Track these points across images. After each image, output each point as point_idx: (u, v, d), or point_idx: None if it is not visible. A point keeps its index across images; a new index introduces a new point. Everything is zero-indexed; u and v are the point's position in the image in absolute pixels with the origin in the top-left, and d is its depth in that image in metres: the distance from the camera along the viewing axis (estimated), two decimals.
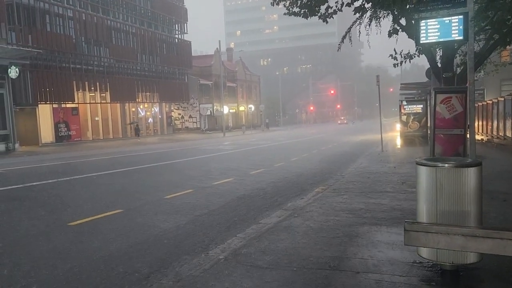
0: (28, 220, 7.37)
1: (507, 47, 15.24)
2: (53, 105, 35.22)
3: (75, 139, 36.37)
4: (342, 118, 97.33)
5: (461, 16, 7.06)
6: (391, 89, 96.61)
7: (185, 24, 54.47)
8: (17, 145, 28.24)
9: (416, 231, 3.20)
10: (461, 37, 7.21)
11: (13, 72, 27.25)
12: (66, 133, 36.04)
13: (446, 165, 3.74)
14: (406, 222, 3.34)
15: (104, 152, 24.30)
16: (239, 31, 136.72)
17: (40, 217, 7.63)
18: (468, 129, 8.44)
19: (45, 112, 34.51)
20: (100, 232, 6.43)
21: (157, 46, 48.36)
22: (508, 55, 23.46)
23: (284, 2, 12.88)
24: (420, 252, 3.97)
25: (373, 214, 6.54)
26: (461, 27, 7.14)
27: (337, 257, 4.57)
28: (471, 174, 3.67)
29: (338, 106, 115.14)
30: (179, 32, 53.88)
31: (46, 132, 34.55)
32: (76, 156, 22.26)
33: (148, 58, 47.14)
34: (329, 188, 9.17)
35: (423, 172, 3.85)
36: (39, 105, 33.32)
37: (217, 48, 58.96)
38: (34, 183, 11.77)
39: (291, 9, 12.84)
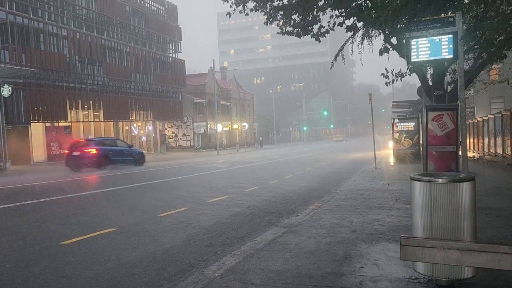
0: (21, 240, 7.26)
1: (495, 66, 15.58)
2: (46, 123, 35.08)
3: None
4: (338, 135, 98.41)
5: (450, 36, 7.23)
6: (383, 110, 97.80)
7: (179, 43, 54.97)
8: (8, 164, 27.95)
9: (412, 246, 3.22)
10: (451, 56, 7.38)
11: (6, 91, 27.19)
12: (58, 152, 35.78)
13: (440, 180, 3.78)
14: (401, 237, 3.36)
15: (98, 171, 24.10)
16: (232, 50, 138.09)
17: (33, 235, 7.52)
18: (460, 146, 8.55)
19: (37, 131, 34.34)
20: (92, 252, 6.35)
21: (151, 65, 48.65)
22: (496, 74, 23.93)
23: (277, 22, 13.11)
24: (416, 267, 3.97)
25: (368, 231, 6.54)
26: (451, 46, 7.31)
27: (333, 273, 4.56)
28: (464, 189, 3.72)
29: (331, 124, 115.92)
30: (173, 51, 54.32)
31: (38, 150, 34.30)
32: (67, 175, 22.06)
33: (142, 77, 47.35)
34: (324, 205, 9.17)
35: (418, 188, 3.89)
36: (31, 123, 33.17)
37: (211, 67, 59.42)
38: (26, 202, 11.63)
39: (284, 28, 13.07)
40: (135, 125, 47.12)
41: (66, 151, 24.43)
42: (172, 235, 7.21)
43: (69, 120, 37.11)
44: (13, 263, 5.81)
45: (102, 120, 41.13)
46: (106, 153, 23.32)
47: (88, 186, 16.49)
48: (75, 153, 23.06)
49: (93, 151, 22.89)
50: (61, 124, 36.59)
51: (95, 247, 6.56)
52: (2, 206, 11.12)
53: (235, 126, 69.49)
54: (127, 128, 46.10)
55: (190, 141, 56.96)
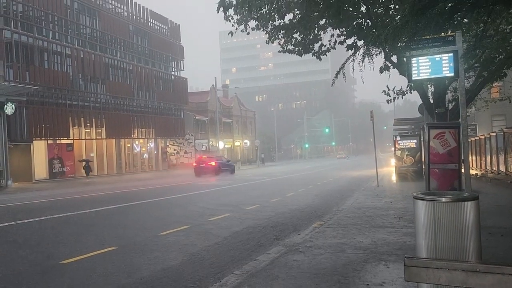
0: (20, 258, 7.19)
1: (496, 84, 15.65)
2: (48, 141, 35.18)
3: (69, 175, 36.08)
4: (341, 152, 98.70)
5: (451, 54, 7.28)
6: (385, 127, 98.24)
7: (182, 61, 55.50)
8: (9, 182, 27.94)
9: (416, 267, 3.16)
10: (452, 74, 7.41)
11: (9, 109, 27.36)
12: (60, 170, 35.80)
13: (444, 199, 3.74)
14: (406, 257, 3.31)
15: (98, 189, 24.08)
16: (234, 68, 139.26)
17: (33, 254, 7.46)
18: (463, 164, 8.52)
19: (39, 148, 34.42)
20: (94, 271, 6.28)
21: (153, 83, 49.03)
22: (497, 92, 24.00)
23: (278, 40, 13.26)
24: None
25: (372, 250, 6.46)
26: (451, 64, 7.35)
27: None
28: (468, 208, 3.68)
29: (333, 142, 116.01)
30: (176, 69, 54.81)
31: (40, 168, 34.31)
32: (70, 192, 22.03)
33: (144, 95, 47.66)
34: (326, 224, 9.09)
35: (421, 207, 3.85)
36: (34, 141, 33.27)
37: (213, 85, 59.84)
38: (27, 220, 11.57)
39: (285, 47, 13.22)
40: (137, 142, 47.22)
41: (195, 164, 36.54)
42: (175, 254, 7.13)
43: (71, 137, 37.22)
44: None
45: (105, 137, 41.25)
46: (220, 165, 34.86)
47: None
48: (202, 165, 34.08)
49: (213, 163, 34.07)
50: (63, 141, 36.69)
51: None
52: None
53: (237, 143, 69.56)
54: (129, 145, 46.18)
55: (191, 158, 56.94)
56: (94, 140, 40.52)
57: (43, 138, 34.28)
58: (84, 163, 36.93)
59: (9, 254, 7.63)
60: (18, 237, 9.31)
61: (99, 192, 21.05)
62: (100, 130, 40.68)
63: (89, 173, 36.48)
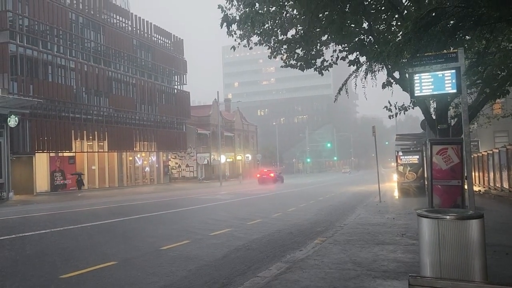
0: (19, 273, 7.12)
1: (498, 100, 15.67)
2: (50, 153, 35.22)
3: (71, 188, 36.01)
4: (346, 167, 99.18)
5: (453, 71, 7.30)
6: (387, 142, 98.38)
7: (185, 76, 55.84)
8: (11, 194, 27.89)
9: (421, 286, 3.11)
10: (454, 91, 7.42)
11: (12, 121, 27.48)
12: (61, 182, 35.75)
13: (448, 217, 3.71)
14: (410, 276, 3.26)
15: (100, 202, 24.02)
16: (237, 83, 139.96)
17: (32, 268, 7.39)
18: (466, 180, 8.46)
19: (41, 161, 34.44)
20: (92, 287, 6.21)
21: (156, 97, 49.27)
22: (499, 108, 24.02)
23: (281, 55, 13.35)
24: None
25: (375, 267, 6.38)
26: (454, 81, 7.37)
27: None
28: (473, 227, 3.64)
29: (335, 157, 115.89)
30: (179, 83, 55.11)
31: (42, 180, 34.28)
32: (71, 206, 21.95)
33: (147, 108, 47.85)
34: (328, 240, 9.00)
35: (425, 224, 3.81)
36: (36, 153, 33.31)
37: (215, 99, 60.07)
38: (27, 234, 11.50)
39: (288, 61, 13.31)
40: (139, 155, 47.23)
41: (258, 175, 47.40)
42: (176, 269, 7.06)
43: (73, 150, 37.26)
44: None
45: (107, 150, 41.29)
46: (276, 176, 46.64)
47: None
48: (264, 176, 45.55)
49: (272, 174, 46.39)
50: (65, 154, 36.71)
51: None
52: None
53: (239, 158, 69.49)
54: (130, 158, 46.18)
55: (193, 172, 56.86)
56: (96, 153, 40.55)
57: (45, 151, 34.32)
58: (77, 176, 36.26)
59: (4, 269, 7.55)
60: (19, 250, 9.23)
61: (99, 206, 20.97)
62: (102, 143, 40.74)
63: (81, 187, 35.71)
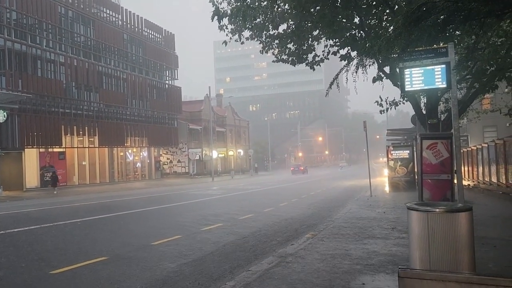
0: (9, 269, 7.06)
1: (487, 95, 15.83)
2: (40, 149, 34.86)
3: (61, 184, 35.69)
4: (343, 161, 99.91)
5: (443, 66, 7.34)
6: (378, 136, 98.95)
7: (176, 71, 55.50)
8: (0, 190, 27.60)
9: (410, 278, 3.13)
10: (444, 85, 7.47)
11: (1, 116, 27.15)
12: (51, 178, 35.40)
13: (437, 210, 3.74)
14: (400, 268, 3.29)
15: (91, 197, 23.86)
16: (228, 78, 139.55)
17: (22, 263, 7.32)
18: (455, 175, 8.54)
19: (31, 156, 34.07)
20: (82, 282, 6.18)
21: (147, 92, 48.94)
22: (489, 103, 24.25)
23: (273, 50, 13.32)
24: None
25: (365, 261, 6.43)
26: (444, 75, 7.41)
27: None
28: (462, 219, 3.68)
29: (326, 151, 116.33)
30: (170, 78, 54.77)
31: (31, 176, 33.94)
32: (61, 201, 21.79)
33: (138, 103, 47.53)
34: (319, 234, 9.05)
35: (415, 217, 3.85)
36: (25, 149, 32.93)
37: (207, 94, 59.88)
38: (16, 229, 11.40)
39: (279, 56, 13.27)
40: (130, 151, 46.95)
41: (292, 168, 64.96)
42: (167, 264, 7.04)
43: (63, 145, 36.91)
44: None
45: (97, 146, 40.97)
46: (305, 169, 63.17)
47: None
48: (296, 169, 62.11)
49: (302, 168, 62.96)
50: (55, 149, 36.37)
51: None
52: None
53: (230, 153, 69.42)
54: (121, 154, 45.89)
55: (185, 167, 56.69)
56: (87, 148, 40.23)
57: (35, 146, 33.96)
58: (49, 172, 33.62)
59: None
60: (8, 246, 9.14)
61: (90, 201, 20.85)
62: (92, 139, 40.42)
63: (56, 184, 31.12)
